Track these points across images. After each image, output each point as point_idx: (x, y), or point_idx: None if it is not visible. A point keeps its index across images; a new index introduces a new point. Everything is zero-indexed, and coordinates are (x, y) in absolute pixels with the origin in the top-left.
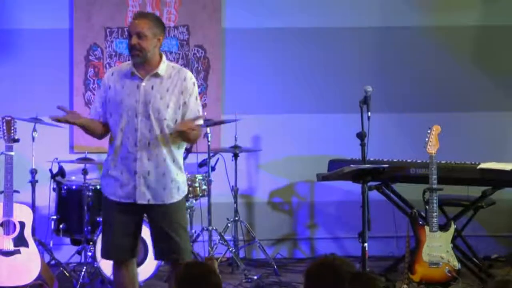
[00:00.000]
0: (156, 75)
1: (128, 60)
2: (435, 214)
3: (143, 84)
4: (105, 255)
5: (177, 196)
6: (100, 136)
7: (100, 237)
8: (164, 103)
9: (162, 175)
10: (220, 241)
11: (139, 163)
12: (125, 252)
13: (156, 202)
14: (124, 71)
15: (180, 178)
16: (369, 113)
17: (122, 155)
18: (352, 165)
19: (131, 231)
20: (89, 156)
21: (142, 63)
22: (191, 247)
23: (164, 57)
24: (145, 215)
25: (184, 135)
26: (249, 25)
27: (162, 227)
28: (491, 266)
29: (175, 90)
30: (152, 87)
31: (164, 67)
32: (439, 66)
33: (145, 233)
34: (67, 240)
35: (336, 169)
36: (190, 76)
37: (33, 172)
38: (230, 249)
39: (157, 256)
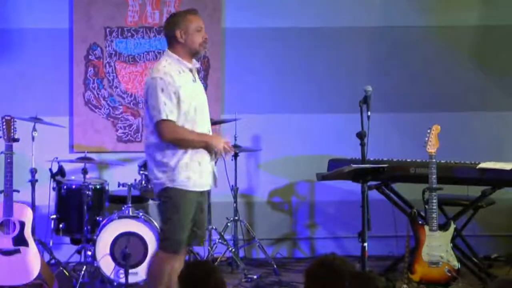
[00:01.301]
0: (197, 70)
1: (130, 59)
2: (435, 213)
3: (196, 78)
4: (181, 246)
5: None
6: None
7: (100, 236)
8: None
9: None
10: (220, 241)
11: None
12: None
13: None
14: (178, 68)
15: None
16: (369, 113)
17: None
18: (352, 165)
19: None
20: (89, 155)
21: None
22: None
23: None
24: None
25: None
26: (249, 24)
27: (204, 214)
28: (490, 265)
29: None
30: (196, 80)
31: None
32: (439, 66)
33: (145, 232)
34: (67, 239)
35: (336, 169)
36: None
37: (33, 171)
38: (230, 249)
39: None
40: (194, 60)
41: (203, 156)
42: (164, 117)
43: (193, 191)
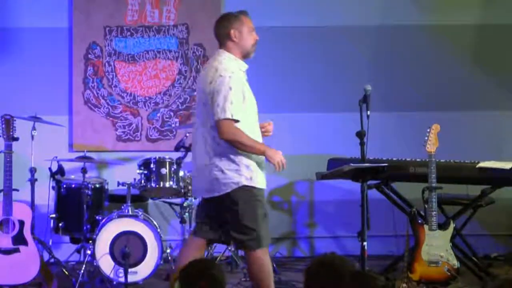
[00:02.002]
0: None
1: (129, 59)
2: (434, 213)
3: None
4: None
5: None
6: None
7: (100, 236)
8: None
9: None
10: None
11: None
12: None
13: None
14: (239, 66)
15: None
16: (369, 112)
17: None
18: (351, 164)
19: None
20: (88, 154)
21: None
22: None
23: None
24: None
25: None
26: None
27: None
28: (490, 265)
29: None
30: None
31: None
32: (439, 65)
33: (144, 231)
34: (66, 238)
35: (336, 168)
36: None
37: (33, 170)
38: (229, 248)
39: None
40: (244, 62)
41: (260, 157)
42: (229, 116)
43: (263, 189)
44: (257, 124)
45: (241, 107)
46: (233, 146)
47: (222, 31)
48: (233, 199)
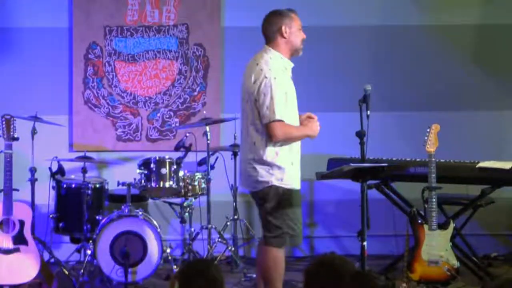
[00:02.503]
0: None
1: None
2: (434, 212)
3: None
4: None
5: None
6: None
7: (100, 235)
8: None
9: None
10: (219, 240)
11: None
12: None
13: None
14: (284, 66)
15: None
16: (369, 112)
17: (296, 148)
18: (351, 164)
19: None
20: (88, 154)
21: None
22: None
23: None
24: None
25: None
26: (249, 23)
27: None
28: (490, 264)
29: None
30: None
31: None
32: (439, 65)
33: (144, 231)
34: (67, 238)
35: (336, 168)
36: None
37: (33, 170)
38: (229, 248)
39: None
40: (289, 60)
41: (296, 156)
42: (278, 117)
43: (297, 189)
44: (297, 118)
45: (285, 107)
46: (284, 143)
47: (272, 27)
48: (263, 197)
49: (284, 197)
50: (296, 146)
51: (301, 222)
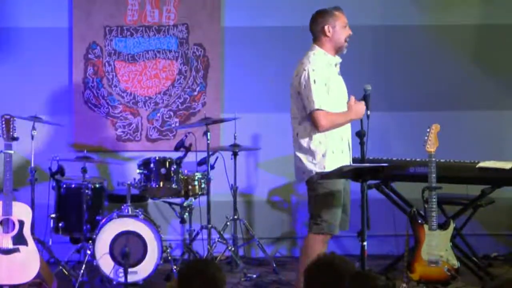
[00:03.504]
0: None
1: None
2: (434, 212)
3: (339, 73)
4: (334, 229)
5: None
6: None
7: (99, 235)
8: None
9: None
10: (219, 240)
11: (348, 143)
12: None
13: None
14: (327, 61)
15: None
16: (369, 112)
17: (342, 136)
18: (351, 164)
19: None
20: (88, 154)
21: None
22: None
23: None
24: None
25: None
26: (249, 23)
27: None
28: (490, 264)
29: None
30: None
31: None
32: (439, 65)
33: (144, 231)
34: (66, 238)
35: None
36: None
37: (33, 170)
38: (229, 248)
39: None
40: (337, 56)
41: (344, 145)
42: (317, 106)
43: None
44: (345, 108)
45: (326, 98)
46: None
47: (317, 27)
48: (308, 186)
49: (325, 186)
50: (338, 134)
51: (339, 211)
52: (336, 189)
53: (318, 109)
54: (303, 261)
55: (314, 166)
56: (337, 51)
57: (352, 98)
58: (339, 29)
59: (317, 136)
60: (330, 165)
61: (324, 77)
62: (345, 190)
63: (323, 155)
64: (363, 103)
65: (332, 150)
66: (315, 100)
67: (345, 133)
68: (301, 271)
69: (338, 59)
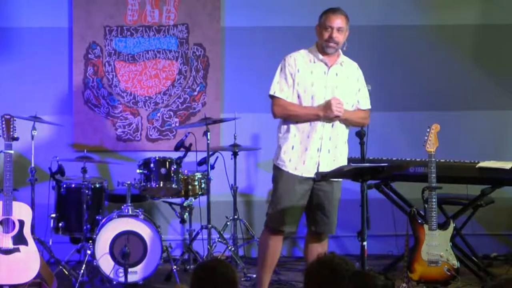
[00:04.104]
0: (340, 63)
1: (129, 58)
2: (434, 212)
3: (330, 70)
4: (278, 225)
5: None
6: None
7: (100, 235)
8: (347, 90)
9: (340, 155)
10: (219, 240)
11: (323, 142)
12: None
13: (332, 178)
14: (310, 56)
15: (346, 157)
16: None
17: (308, 134)
18: (351, 164)
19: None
20: (88, 154)
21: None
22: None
23: None
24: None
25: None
26: (249, 23)
27: (331, 202)
28: (490, 264)
29: (353, 77)
30: (337, 74)
31: (343, 57)
32: (439, 65)
33: (144, 231)
34: (66, 238)
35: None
36: (358, 67)
37: (33, 170)
38: (229, 248)
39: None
40: (330, 57)
41: (312, 143)
42: (271, 92)
43: (293, 174)
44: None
45: (287, 87)
46: (288, 120)
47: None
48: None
49: (275, 178)
50: (305, 130)
51: (286, 207)
52: (281, 184)
53: (272, 95)
54: (258, 256)
55: (276, 158)
56: (322, 50)
57: (334, 97)
58: (321, 30)
59: (281, 129)
60: (286, 160)
61: (294, 69)
62: (323, 191)
63: (281, 148)
64: (336, 101)
65: (292, 146)
66: (272, 86)
67: (319, 131)
68: (258, 269)
69: (320, 56)
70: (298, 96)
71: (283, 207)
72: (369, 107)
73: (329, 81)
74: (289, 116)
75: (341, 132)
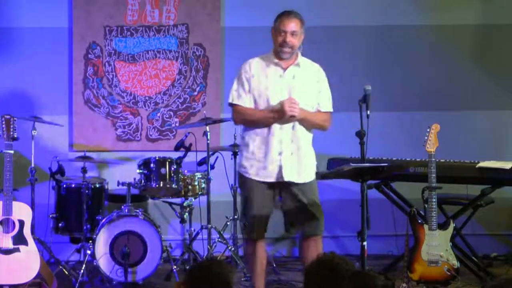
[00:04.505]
0: (296, 66)
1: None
2: (434, 212)
3: (286, 74)
4: (248, 231)
5: (313, 175)
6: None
7: (100, 235)
8: (304, 92)
9: (305, 156)
10: (219, 240)
11: (283, 145)
12: None
13: (298, 181)
14: (265, 61)
15: (314, 159)
16: (369, 112)
17: (267, 138)
18: (351, 164)
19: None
20: (88, 154)
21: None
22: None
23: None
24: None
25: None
26: (249, 23)
27: (306, 204)
28: (490, 264)
29: (312, 79)
30: (294, 76)
31: (301, 59)
32: (439, 65)
33: (144, 231)
34: (66, 238)
35: (336, 168)
36: (321, 69)
37: (33, 170)
38: (229, 248)
39: (298, 231)
40: (287, 60)
41: (272, 147)
42: (230, 100)
43: (256, 180)
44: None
45: (244, 93)
46: (248, 126)
47: None
48: None
49: (240, 185)
50: (262, 135)
51: (253, 214)
52: (245, 191)
53: (231, 103)
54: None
55: (239, 165)
56: (277, 54)
57: (289, 97)
58: (276, 34)
59: (243, 135)
60: (248, 166)
61: (249, 74)
62: (293, 194)
63: (243, 155)
64: (290, 102)
65: (252, 151)
66: (230, 94)
67: (277, 135)
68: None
69: (275, 60)
70: (255, 101)
71: (251, 215)
72: (331, 109)
73: (285, 84)
74: (248, 122)
75: (302, 134)
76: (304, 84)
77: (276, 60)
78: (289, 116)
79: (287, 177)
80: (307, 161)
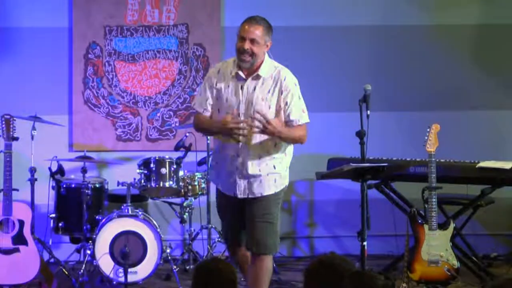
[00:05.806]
0: (258, 77)
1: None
2: (434, 212)
3: (246, 85)
4: (227, 242)
5: (274, 189)
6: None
7: (99, 235)
8: (266, 104)
9: (266, 165)
10: (219, 240)
11: (240, 160)
12: None
13: (254, 196)
14: (229, 69)
15: (278, 173)
16: (369, 112)
17: (226, 151)
18: (351, 164)
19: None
20: (88, 154)
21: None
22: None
23: (266, 56)
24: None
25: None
26: None
27: (254, 219)
28: (490, 264)
29: (276, 91)
30: (254, 88)
31: (266, 67)
32: (439, 65)
33: (144, 231)
34: (66, 238)
35: (336, 168)
36: (290, 77)
37: (32, 170)
38: None
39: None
40: (248, 71)
41: (224, 163)
42: (192, 104)
43: (222, 192)
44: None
45: (205, 101)
46: (204, 134)
47: None
48: None
49: (216, 196)
50: (219, 144)
51: (225, 225)
52: (219, 204)
53: (194, 111)
54: None
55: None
56: (239, 61)
57: (233, 112)
58: (237, 40)
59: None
60: (212, 176)
61: (212, 81)
62: (248, 208)
63: (212, 167)
64: (230, 126)
65: (216, 161)
66: (194, 100)
67: (230, 147)
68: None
69: (235, 70)
70: (218, 111)
71: (223, 225)
72: (307, 120)
73: (244, 97)
74: (201, 130)
75: (260, 146)
76: (265, 98)
77: (236, 71)
78: (235, 138)
79: (240, 195)
80: (267, 170)
